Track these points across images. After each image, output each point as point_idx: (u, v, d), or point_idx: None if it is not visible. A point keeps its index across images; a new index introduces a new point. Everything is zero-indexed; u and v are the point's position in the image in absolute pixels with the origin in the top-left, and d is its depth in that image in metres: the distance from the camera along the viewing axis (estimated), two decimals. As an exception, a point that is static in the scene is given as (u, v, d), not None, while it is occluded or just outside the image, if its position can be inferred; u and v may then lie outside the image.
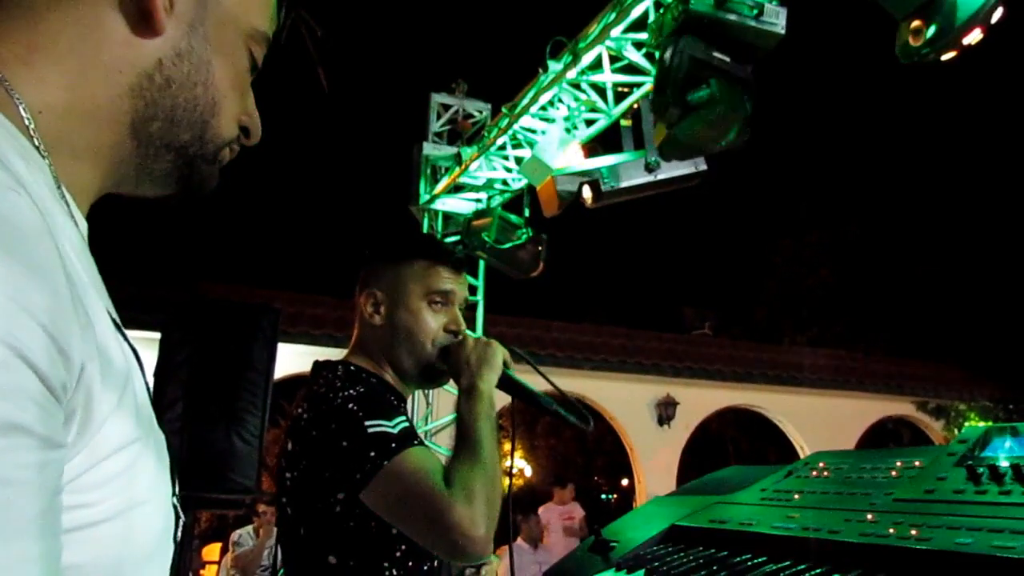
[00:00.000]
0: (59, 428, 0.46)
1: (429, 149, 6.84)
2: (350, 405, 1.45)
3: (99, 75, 0.61)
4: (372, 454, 1.38)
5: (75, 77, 0.60)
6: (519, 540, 6.91)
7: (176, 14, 0.64)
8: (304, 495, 1.48)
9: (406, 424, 1.45)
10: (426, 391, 6.96)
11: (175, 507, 0.62)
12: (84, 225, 0.61)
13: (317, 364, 1.66)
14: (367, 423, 1.41)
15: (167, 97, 0.64)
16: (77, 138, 0.61)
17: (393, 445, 1.39)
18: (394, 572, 1.46)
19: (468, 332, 1.68)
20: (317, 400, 1.51)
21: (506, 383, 1.61)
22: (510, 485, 1.84)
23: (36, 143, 0.56)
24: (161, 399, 4.12)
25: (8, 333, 0.42)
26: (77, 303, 0.49)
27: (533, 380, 1.71)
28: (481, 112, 7.04)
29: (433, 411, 7.01)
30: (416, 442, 1.42)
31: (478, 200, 6.43)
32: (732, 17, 2.85)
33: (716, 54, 2.84)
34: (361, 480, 1.37)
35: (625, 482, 20.14)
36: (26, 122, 0.56)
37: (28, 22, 0.58)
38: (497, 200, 6.15)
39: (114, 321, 0.59)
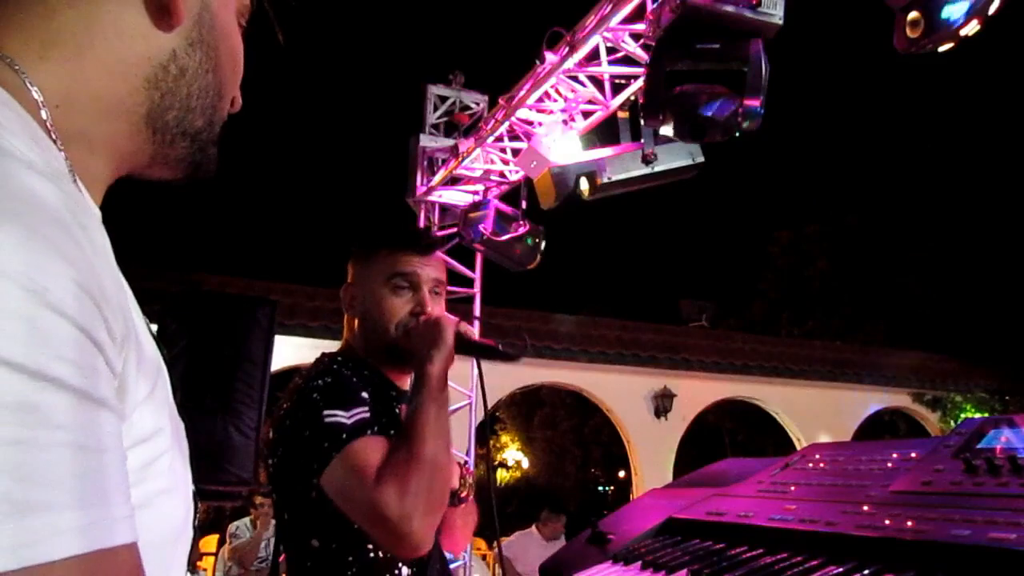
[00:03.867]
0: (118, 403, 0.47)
1: (426, 141, 6.82)
2: (314, 395, 1.48)
3: (116, 69, 0.62)
4: (325, 445, 1.41)
5: (92, 71, 0.60)
6: (533, 529, 6.82)
7: (187, 4, 0.65)
8: (283, 482, 1.53)
9: (364, 414, 1.46)
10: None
11: (193, 495, 0.64)
12: (98, 215, 0.62)
13: (318, 358, 1.70)
14: (324, 412, 1.44)
15: (182, 86, 0.66)
16: (94, 130, 0.61)
17: (344, 436, 1.41)
18: (379, 553, 1.49)
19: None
20: (294, 390, 1.56)
21: (461, 347, 1.59)
22: (492, 479, 1.85)
23: (53, 136, 0.57)
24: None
25: (77, 313, 0.43)
26: (116, 289, 0.50)
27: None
28: (478, 104, 7.01)
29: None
30: (370, 431, 1.44)
31: (475, 192, 6.42)
32: (729, 8, 2.84)
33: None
34: (317, 469, 1.41)
35: (622, 474, 20.18)
36: (43, 115, 0.57)
37: (44, 19, 0.59)
38: (494, 192, 6.13)
39: (140, 313, 0.60)
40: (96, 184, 0.64)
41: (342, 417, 1.43)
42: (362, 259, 1.72)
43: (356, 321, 1.69)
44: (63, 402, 0.41)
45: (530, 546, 6.50)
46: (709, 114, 2.87)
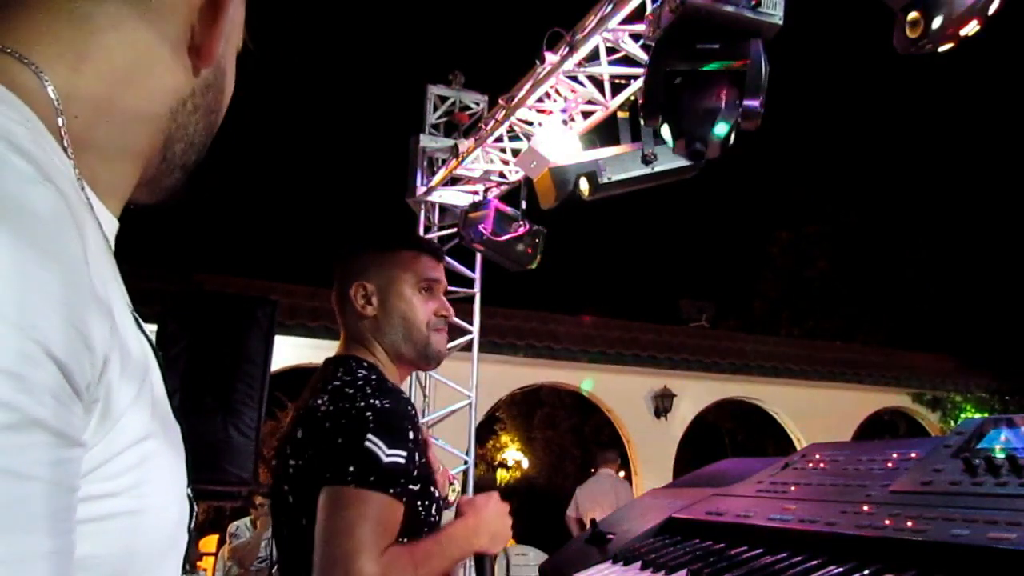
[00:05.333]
0: (77, 425, 0.46)
1: (426, 141, 6.82)
2: (367, 413, 1.47)
3: (143, 95, 0.64)
4: (350, 468, 1.39)
5: (119, 92, 0.62)
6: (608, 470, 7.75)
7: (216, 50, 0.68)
8: (306, 484, 1.48)
9: (401, 461, 1.44)
10: (423, 384, 6.97)
11: (189, 498, 0.64)
12: (114, 224, 0.64)
13: (339, 359, 1.69)
14: (369, 436, 1.43)
15: (192, 123, 0.69)
16: (107, 144, 0.62)
17: (372, 478, 1.39)
18: None
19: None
20: (341, 397, 1.52)
21: (479, 563, 1.63)
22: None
23: (65, 144, 0.57)
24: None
25: (33, 327, 0.42)
26: (98, 295, 0.49)
27: None
28: (478, 104, 7.02)
29: (430, 403, 7.02)
30: (392, 491, 1.41)
31: (475, 192, 6.42)
32: (729, 8, 2.84)
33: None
34: (329, 479, 1.40)
35: (622, 474, 20.16)
36: (59, 122, 0.57)
37: (85, 34, 0.60)
38: (494, 192, 6.14)
39: (132, 315, 0.60)
40: (112, 193, 0.64)
41: (380, 453, 1.41)
42: (381, 259, 1.75)
43: (371, 319, 1.71)
44: (46, 442, 0.43)
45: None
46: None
